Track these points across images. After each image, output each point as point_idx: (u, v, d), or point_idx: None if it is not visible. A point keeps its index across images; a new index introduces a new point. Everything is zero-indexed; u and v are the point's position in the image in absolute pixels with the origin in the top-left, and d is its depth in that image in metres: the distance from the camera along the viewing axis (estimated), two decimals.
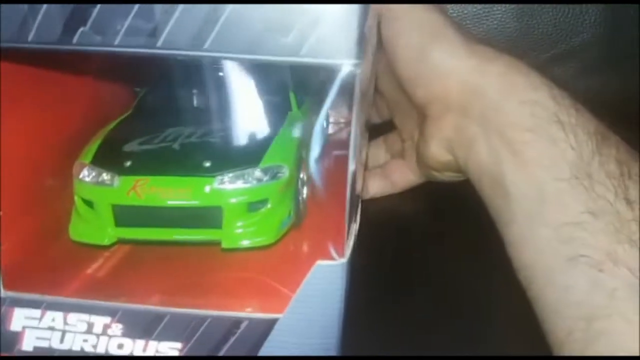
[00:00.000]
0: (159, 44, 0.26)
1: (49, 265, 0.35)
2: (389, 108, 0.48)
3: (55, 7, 0.26)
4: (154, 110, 0.42)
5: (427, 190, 0.47)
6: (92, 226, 0.35)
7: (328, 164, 0.41)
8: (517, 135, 0.33)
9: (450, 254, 0.45)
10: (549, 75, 0.35)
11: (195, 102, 0.42)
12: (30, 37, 0.26)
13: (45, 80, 0.35)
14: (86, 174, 0.35)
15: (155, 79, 0.44)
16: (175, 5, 0.25)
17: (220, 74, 0.42)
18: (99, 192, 0.35)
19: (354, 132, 0.26)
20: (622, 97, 0.52)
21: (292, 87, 0.43)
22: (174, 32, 0.25)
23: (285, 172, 0.35)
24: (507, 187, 0.33)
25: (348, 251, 0.29)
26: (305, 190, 0.40)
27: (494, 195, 0.35)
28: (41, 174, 0.36)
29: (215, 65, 0.42)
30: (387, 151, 0.51)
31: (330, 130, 0.53)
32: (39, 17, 0.26)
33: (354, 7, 0.24)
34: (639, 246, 0.29)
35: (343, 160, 0.32)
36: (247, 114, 0.40)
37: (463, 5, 0.54)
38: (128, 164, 0.35)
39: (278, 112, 0.41)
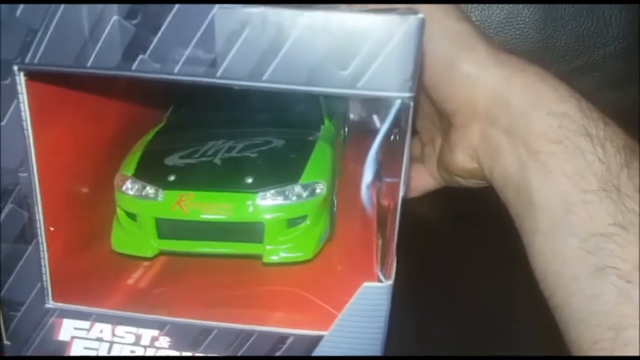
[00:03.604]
0: (219, 74, 0.26)
1: (90, 275, 0.36)
2: None
3: (116, 34, 0.26)
4: (188, 123, 0.42)
5: (446, 195, 0.48)
6: (135, 238, 0.36)
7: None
8: (544, 146, 0.34)
9: (473, 260, 0.46)
10: (571, 87, 0.36)
11: (230, 116, 0.42)
12: (89, 63, 0.27)
13: (81, 91, 0.36)
14: (129, 187, 0.36)
15: (185, 93, 0.45)
16: (237, 37, 0.26)
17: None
18: (142, 205, 0.35)
19: (406, 160, 0.27)
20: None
21: (323, 101, 0.44)
22: (234, 63, 0.26)
23: (323, 188, 0.36)
24: (533, 196, 0.34)
25: (393, 273, 0.30)
26: (336, 203, 0.41)
27: (519, 205, 0.36)
28: (78, 185, 0.36)
29: None
30: None
31: None
32: (100, 43, 0.27)
33: (410, 42, 0.25)
34: None
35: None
36: (284, 127, 0.40)
37: (486, 14, 0.54)
38: (172, 178, 0.36)
39: (312, 125, 0.42)
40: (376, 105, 0.51)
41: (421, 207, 0.50)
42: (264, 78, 0.26)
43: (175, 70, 0.27)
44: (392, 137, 0.30)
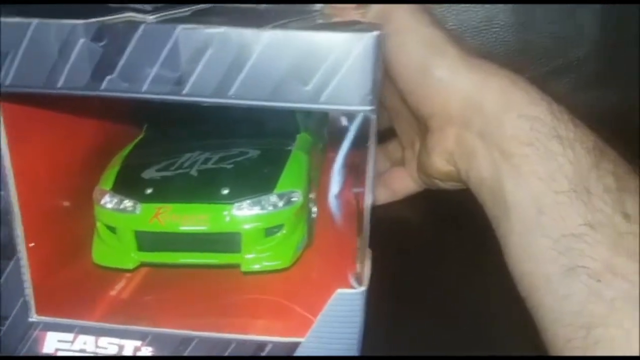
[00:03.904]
0: (185, 91, 0.27)
1: (73, 288, 0.36)
2: (389, 116, 0.49)
3: (84, 55, 0.27)
4: (165, 136, 0.43)
5: (428, 198, 0.49)
6: (115, 250, 0.37)
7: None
8: (516, 149, 0.35)
9: (453, 261, 0.46)
10: (547, 89, 0.36)
11: (205, 128, 0.43)
12: (59, 84, 0.28)
13: (56, 110, 0.36)
14: (108, 201, 0.37)
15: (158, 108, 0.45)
16: (200, 55, 0.26)
17: None
18: (121, 218, 0.36)
19: (371, 170, 0.28)
20: (618, 111, 0.54)
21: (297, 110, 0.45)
22: (199, 81, 0.27)
23: (299, 197, 0.37)
24: (506, 198, 0.35)
25: (367, 279, 0.30)
26: (315, 209, 0.41)
27: (494, 207, 0.36)
28: (57, 200, 0.37)
29: None
30: (388, 159, 0.52)
31: None
32: (69, 64, 0.27)
33: (369, 58, 0.26)
34: (638, 260, 0.30)
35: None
36: (259, 138, 0.41)
37: (463, 18, 0.55)
38: (149, 191, 0.36)
39: (287, 135, 0.42)
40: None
41: (402, 209, 0.50)
42: (230, 94, 0.27)
43: (143, 89, 0.27)
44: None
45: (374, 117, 0.26)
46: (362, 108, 0.26)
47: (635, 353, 0.29)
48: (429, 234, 0.50)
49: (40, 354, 0.33)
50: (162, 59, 0.27)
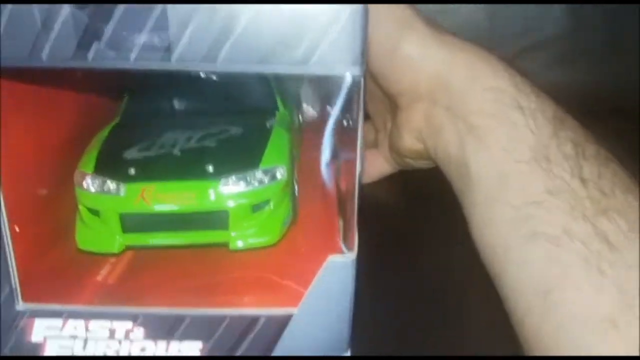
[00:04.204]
0: (174, 58, 0.27)
1: (59, 274, 0.35)
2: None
3: (69, 24, 0.27)
4: (143, 117, 0.42)
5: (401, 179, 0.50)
6: (99, 234, 0.36)
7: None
8: (480, 121, 0.35)
9: (428, 238, 0.47)
10: (516, 68, 0.37)
11: (184, 107, 0.42)
12: (44, 56, 0.27)
13: (35, 90, 0.35)
14: (90, 183, 0.36)
15: (138, 85, 0.45)
16: (188, 20, 0.26)
17: (209, 77, 0.43)
18: (104, 200, 0.35)
19: (360, 136, 0.28)
20: (586, 89, 0.55)
21: (276, 88, 0.45)
22: (188, 47, 0.27)
23: (284, 173, 0.37)
24: (470, 171, 0.35)
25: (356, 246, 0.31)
26: (297, 188, 0.42)
27: (459, 180, 0.37)
28: (39, 183, 0.36)
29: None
30: None
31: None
32: (53, 35, 0.27)
33: (358, 21, 0.26)
34: (591, 221, 0.31)
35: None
36: (239, 116, 0.41)
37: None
38: (132, 171, 0.36)
39: (267, 112, 0.42)
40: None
41: (377, 190, 0.51)
42: (219, 61, 0.27)
43: (132, 58, 0.27)
44: (344, 122, 0.31)
45: (362, 80, 0.27)
46: (351, 71, 0.27)
47: (590, 313, 0.29)
48: (403, 212, 0.51)
49: (28, 343, 0.32)
50: (151, 26, 0.26)
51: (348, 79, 0.27)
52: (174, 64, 0.27)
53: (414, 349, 0.36)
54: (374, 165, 0.50)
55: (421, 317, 0.39)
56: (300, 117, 0.50)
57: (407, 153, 0.42)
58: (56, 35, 0.27)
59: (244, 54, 0.27)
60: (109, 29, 0.27)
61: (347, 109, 0.29)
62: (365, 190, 0.50)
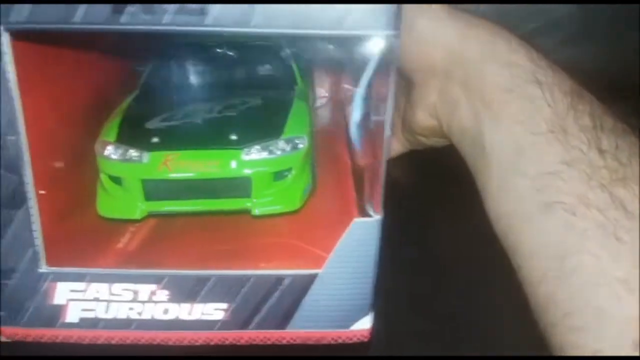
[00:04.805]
0: (208, 21, 0.27)
1: (81, 239, 0.36)
2: None
3: None
4: (163, 88, 0.43)
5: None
6: (121, 202, 0.36)
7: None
8: (496, 96, 0.36)
9: (439, 215, 0.48)
10: (532, 44, 0.38)
11: (204, 79, 0.43)
12: (78, 18, 0.27)
13: (57, 58, 0.36)
14: (112, 152, 0.36)
15: (157, 57, 0.45)
16: None
17: (227, 51, 0.43)
18: (128, 168, 0.36)
19: (392, 98, 0.29)
20: (600, 68, 0.56)
21: (294, 62, 0.45)
22: (222, 10, 0.27)
23: (305, 142, 0.38)
24: (485, 144, 0.36)
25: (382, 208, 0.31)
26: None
27: (474, 155, 0.37)
28: (63, 147, 0.36)
29: (220, 43, 0.44)
30: None
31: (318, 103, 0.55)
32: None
33: None
34: (608, 190, 0.32)
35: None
36: (260, 88, 0.41)
37: None
38: (155, 140, 0.36)
39: (287, 85, 0.43)
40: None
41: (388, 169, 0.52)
42: (252, 23, 0.27)
43: (165, 21, 0.27)
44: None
45: (398, 41, 0.27)
46: (386, 32, 0.27)
47: (606, 278, 0.30)
48: (415, 191, 0.51)
49: (50, 306, 0.33)
50: None
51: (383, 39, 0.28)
52: (208, 27, 0.27)
53: (430, 318, 0.37)
54: None
55: (434, 286, 0.40)
56: (314, 94, 0.51)
57: (421, 130, 0.43)
58: None
59: (277, 17, 0.27)
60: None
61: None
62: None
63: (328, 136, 0.48)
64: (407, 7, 0.38)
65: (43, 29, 0.28)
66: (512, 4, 0.59)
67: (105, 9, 0.27)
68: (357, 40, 0.28)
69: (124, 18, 0.27)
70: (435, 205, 0.49)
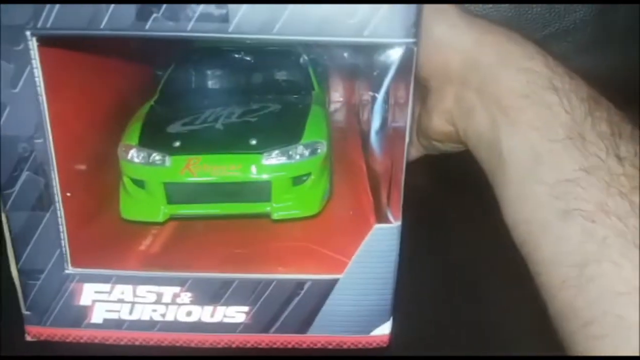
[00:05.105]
0: (231, 29, 0.28)
1: (106, 240, 0.37)
2: None
3: None
4: (184, 93, 0.43)
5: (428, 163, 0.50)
6: (144, 205, 0.37)
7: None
8: (513, 102, 0.35)
9: (455, 220, 0.48)
10: (548, 50, 0.38)
11: (223, 84, 0.43)
12: (103, 25, 0.28)
13: (80, 63, 0.36)
14: (135, 155, 0.37)
15: (176, 61, 0.46)
16: None
17: (245, 57, 0.44)
18: (150, 171, 0.36)
19: (411, 105, 0.29)
20: (614, 75, 0.56)
21: (311, 69, 0.46)
22: (245, 17, 0.27)
23: (324, 148, 0.38)
24: (502, 150, 0.36)
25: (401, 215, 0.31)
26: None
27: (491, 161, 0.37)
28: (87, 151, 0.37)
29: (238, 48, 0.44)
30: None
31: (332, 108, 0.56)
32: (113, 4, 0.28)
33: None
34: (628, 198, 0.31)
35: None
36: (278, 94, 0.42)
37: None
38: (177, 144, 0.37)
39: (304, 91, 0.43)
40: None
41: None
42: (275, 31, 0.27)
43: (189, 28, 0.28)
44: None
45: (416, 49, 0.27)
46: (405, 40, 0.27)
47: (626, 285, 0.30)
48: (431, 196, 0.51)
49: (76, 306, 0.34)
50: None
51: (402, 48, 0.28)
52: (231, 33, 0.28)
53: (449, 324, 0.37)
54: None
55: (452, 291, 0.40)
56: (329, 99, 0.51)
57: (437, 136, 0.43)
58: (115, 5, 0.27)
59: (299, 24, 0.27)
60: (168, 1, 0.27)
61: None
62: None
63: (342, 140, 0.48)
64: (424, 14, 0.39)
65: (69, 34, 0.29)
66: (526, 9, 0.58)
67: (130, 15, 0.28)
68: (376, 47, 0.28)
69: (148, 24, 0.28)
70: (452, 211, 0.49)
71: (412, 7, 0.27)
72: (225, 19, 0.27)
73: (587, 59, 0.59)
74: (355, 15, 0.27)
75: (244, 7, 0.27)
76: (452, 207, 0.50)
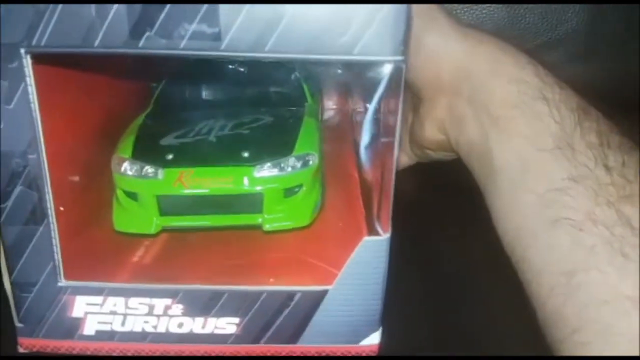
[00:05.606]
0: (223, 47, 0.28)
1: (98, 254, 0.37)
2: None
3: (123, 12, 0.28)
4: (176, 106, 0.44)
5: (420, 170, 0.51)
6: (136, 216, 0.37)
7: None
8: (503, 112, 0.36)
9: (446, 227, 0.49)
10: (539, 60, 0.38)
11: (216, 97, 0.44)
12: (96, 42, 0.28)
13: (73, 79, 0.36)
14: (128, 168, 0.37)
15: (170, 74, 0.46)
16: (239, 9, 0.27)
17: (238, 69, 0.44)
18: (143, 184, 0.37)
19: (400, 120, 0.29)
20: (606, 85, 0.57)
21: (303, 81, 0.46)
22: (238, 36, 0.28)
23: (315, 159, 0.38)
24: (493, 159, 0.36)
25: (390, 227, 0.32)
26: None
27: (481, 169, 0.38)
28: (79, 164, 0.37)
29: (231, 61, 0.45)
30: None
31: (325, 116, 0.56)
32: (107, 22, 0.28)
33: (402, 10, 0.27)
34: (615, 207, 0.32)
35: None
36: (271, 106, 0.42)
37: None
38: (170, 157, 0.37)
39: (297, 103, 0.44)
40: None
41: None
42: (267, 49, 0.28)
43: (181, 45, 0.28)
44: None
45: (404, 66, 0.28)
46: (394, 58, 0.28)
47: (613, 294, 0.31)
48: (422, 204, 0.52)
49: (69, 318, 0.34)
50: (202, 14, 0.28)
51: (390, 66, 0.29)
52: (223, 51, 0.28)
53: (440, 330, 0.38)
54: None
55: (444, 298, 0.40)
56: (322, 110, 0.52)
57: (429, 144, 0.43)
58: (109, 22, 0.28)
59: (291, 42, 0.28)
60: (161, 18, 0.28)
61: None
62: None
63: (336, 151, 0.49)
64: (415, 24, 0.39)
65: (63, 52, 0.29)
66: (519, 18, 0.59)
67: (123, 33, 0.28)
68: (366, 64, 0.29)
69: (142, 42, 0.28)
70: (443, 219, 0.50)
71: (400, 26, 0.27)
72: (217, 37, 0.28)
73: (579, 68, 0.60)
74: (345, 33, 0.28)
75: (236, 26, 0.28)
76: (442, 215, 0.51)
